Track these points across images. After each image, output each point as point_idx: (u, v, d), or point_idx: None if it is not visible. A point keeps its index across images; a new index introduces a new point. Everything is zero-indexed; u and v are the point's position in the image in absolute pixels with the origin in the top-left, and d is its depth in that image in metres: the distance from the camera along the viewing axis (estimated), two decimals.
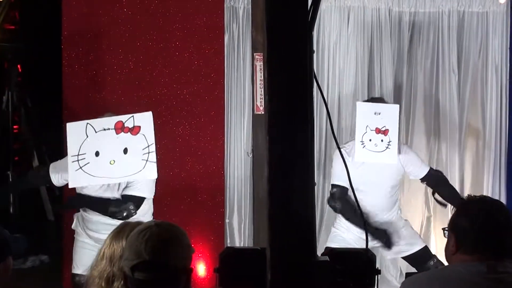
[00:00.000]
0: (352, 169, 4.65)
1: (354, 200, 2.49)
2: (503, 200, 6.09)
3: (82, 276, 4.61)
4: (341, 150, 4.59)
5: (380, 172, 4.91)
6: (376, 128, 4.80)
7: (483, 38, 6.22)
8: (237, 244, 6.05)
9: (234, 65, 6.07)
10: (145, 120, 4.23)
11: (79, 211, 4.86)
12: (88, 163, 4.22)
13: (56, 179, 4.75)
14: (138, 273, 2.24)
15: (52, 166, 4.81)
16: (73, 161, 4.22)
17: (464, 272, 2.40)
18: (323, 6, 6.02)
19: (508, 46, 6.21)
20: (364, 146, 4.81)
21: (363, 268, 2.00)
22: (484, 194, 6.03)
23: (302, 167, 1.82)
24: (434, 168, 5.23)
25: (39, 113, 6.17)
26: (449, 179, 5.57)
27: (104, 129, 4.23)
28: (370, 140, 4.80)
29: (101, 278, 2.62)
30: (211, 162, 5.82)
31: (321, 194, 6.16)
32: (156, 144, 4.26)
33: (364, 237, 4.74)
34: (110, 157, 4.22)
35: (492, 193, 6.16)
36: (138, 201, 4.65)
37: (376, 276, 2.01)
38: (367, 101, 5.27)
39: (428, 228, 6.23)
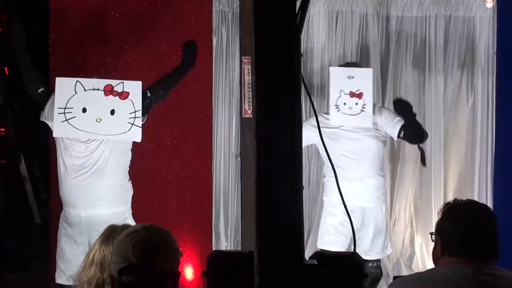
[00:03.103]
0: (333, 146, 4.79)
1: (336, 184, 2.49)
2: (490, 201, 6.12)
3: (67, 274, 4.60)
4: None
5: (360, 139, 4.95)
6: (350, 91, 4.86)
7: (470, 42, 6.25)
8: (223, 247, 6.05)
9: (222, 69, 6.07)
10: (134, 88, 4.37)
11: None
12: (75, 117, 4.33)
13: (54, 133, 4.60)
14: (126, 276, 2.23)
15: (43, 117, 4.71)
16: (59, 113, 4.32)
17: (450, 274, 2.41)
18: (311, 10, 6.04)
19: (495, 50, 6.25)
20: (339, 110, 4.87)
21: (350, 272, 2.00)
22: (471, 196, 6.06)
23: (290, 171, 1.82)
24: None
25: (26, 116, 6.12)
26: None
27: (93, 89, 4.34)
28: (344, 103, 4.86)
29: (90, 284, 2.60)
30: (198, 165, 5.81)
31: (309, 197, 6.17)
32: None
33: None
34: (97, 115, 4.33)
35: (479, 195, 6.19)
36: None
37: (364, 280, 2.01)
38: (342, 65, 5.29)
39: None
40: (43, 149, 5.58)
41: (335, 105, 4.86)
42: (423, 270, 5.66)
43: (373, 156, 5.02)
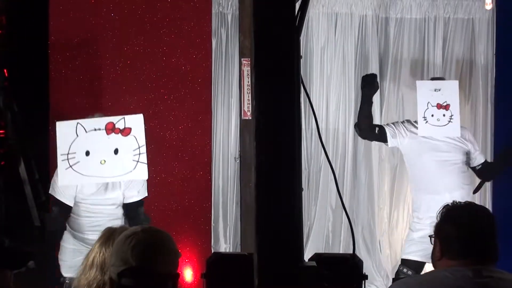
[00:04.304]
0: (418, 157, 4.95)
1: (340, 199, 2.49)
2: (489, 203, 6.13)
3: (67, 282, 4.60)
4: (387, 127, 5.10)
5: (445, 147, 5.02)
6: (437, 103, 4.97)
7: (469, 44, 6.26)
8: (222, 248, 6.05)
9: (221, 70, 6.07)
10: (136, 122, 4.24)
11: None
12: (78, 162, 4.22)
13: (67, 199, 4.67)
14: (125, 279, 2.23)
15: (53, 190, 4.73)
16: (63, 160, 4.21)
17: (449, 277, 2.41)
18: (310, 12, 6.04)
19: (494, 52, 6.25)
20: (427, 122, 4.97)
21: (349, 274, 2.00)
22: (471, 198, 6.06)
23: (289, 173, 1.82)
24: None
25: (26, 118, 6.13)
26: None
27: (95, 129, 4.23)
28: (432, 115, 4.98)
29: (90, 286, 2.59)
30: (198, 167, 5.82)
31: (308, 199, 6.18)
32: (146, 137, 4.26)
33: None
34: (101, 157, 4.22)
35: (479, 197, 6.19)
36: (142, 203, 4.73)
37: (363, 282, 2.01)
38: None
39: None
40: (42, 151, 5.58)
41: (423, 117, 4.97)
42: (422, 272, 5.69)
43: (459, 168, 5.09)
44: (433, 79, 5.44)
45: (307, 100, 2.19)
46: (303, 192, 2.03)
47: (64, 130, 4.24)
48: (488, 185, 6.25)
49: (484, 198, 6.22)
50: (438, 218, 2.56)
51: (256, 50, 1.82)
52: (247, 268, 1.87)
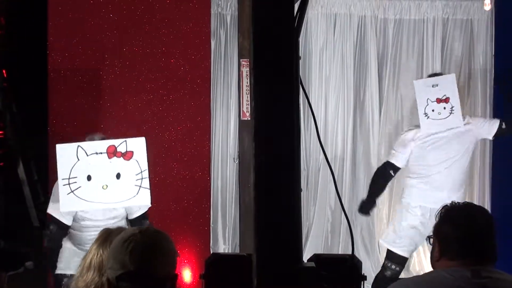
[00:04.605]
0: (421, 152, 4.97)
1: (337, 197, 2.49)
2: (488, 204, 6.13)
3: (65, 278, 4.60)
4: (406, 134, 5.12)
5: (450, 147, 5.03)
6: (437, 98, 5.01)
7: (467, 45, 6.26)
8: (221, 249, 6.05)
9: (220, 71, 6.08)
10: (138, 145, 4.13)
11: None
12: (80, 187, 4.11)
13: (66, 219, 4.61)
14: (123, 283, 2.22)
15: (51, 210, 4.65)
16: (64, 185, 4.09)
17: (448, 277, 2.41)
18: (309, 13, 6.05)
19: (493, 53, 6.26)
20: (428, 117, 5.01)
21: (348, 274, 2.00)
22: (469, 199, 6.07)
23: (288, 173, 1.82)
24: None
25: (25, 118, 6.12)
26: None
27: (96, 153, 4.12)
28: (433, 110, 5.01)
29: None
30: (197, 168, 5.81)
31: (307, 199, 6.18)
32: (149, 159, 4.22)
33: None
34: (103, 182, 4.11)
35: (478, 198, 6.20)
36: (146, 216, 4.76)
37: (362, 282, 2.01)
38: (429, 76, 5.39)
39: None
40: (41, 152, 5.58)
41: (424, 113, 5.00)
42: (421, 272, 5.70)
43: (462, 167, 5.10)
44: (431, 76, 5.44)
45: (306, 101, 2.19)
46: (302, 193, 2.03)
47: (65, 153, 4.12)
48: (487, 185, 6.26)
49: (483, 199, 6.22)
50: (437, 219, 2.56)
51: (255, 51, 1.83)
52: (246, 269, 1.87)
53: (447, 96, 5.01)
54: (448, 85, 5.05)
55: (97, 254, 2.63)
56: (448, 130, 5.03)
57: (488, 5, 6.16)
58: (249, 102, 5.10)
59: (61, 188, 4.10)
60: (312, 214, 6.22)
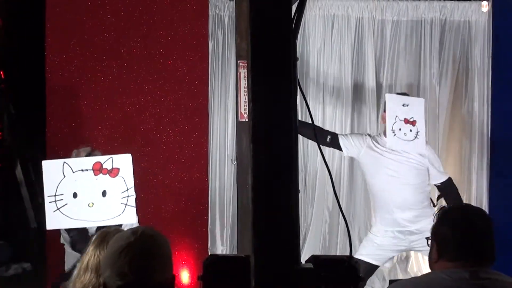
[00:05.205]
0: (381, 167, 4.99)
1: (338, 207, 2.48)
2: (486, 205, 6.13)
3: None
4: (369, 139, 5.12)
5: (403, 168, 5.04)
6: (405, 118, 5.01)
7: (465, 46, 6.27)
8: (219, 251, 6.04)
9: (218, 72, 6.08)
10: (124, 162, 4.10)
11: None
12: (66, 204, 4.09)
13: (65, 238, 4.62)
14: None
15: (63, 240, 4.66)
16: (50, 202, 4.07)
17: (447, 279, 2.42)
18: (307, 14, 6.05)
19: (490, 54, 6.26)
20: (395, 135, 5.00)
21: (346, 275, 2.00)
22: (467, 200, 6.07)
23: (286, 175, 1.82)
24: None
25: (23, 119, 6.12)
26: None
27: (82, 170, 4.09)
28: (400, 129, 5.00)
29: None
30: (195, 169, 5.82)
31: (305, 201, 6.18)
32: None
33: (400, 241, 4.69)
34: (89, 200, 4.09)
35: (476, 199, 6.20)
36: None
37: (360, 284, 2.01)
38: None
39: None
40: (39, 153, 5.57)
41: (392, 130, 5.00)
42: (418, 273, 5.70)
43: (415, 188, 5.09)
44: (398, 94, 5.45)
45: (304, 102, 2.19)
46: (299, 194, 2.03)
47: (51, 169, 4.09)
48: (485, 186, 6.26)
49: (481, 200, 6.22)
50: (435, 220, 2.56)
51: (253, 52, 1.83)
52: (244, 270, 1.87)
53: (414, 119, 5.01)
54: (417, 108, 5.06)
55: (94, 256, 2.62)
56: (401, 156, 5.03)
57: (485, 7, 6.17)
58: (247, 104, 5.09)
59: (47, 205, 4.10)
60: (310, 215, 6.22)
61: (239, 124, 5.24)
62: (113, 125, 5.71)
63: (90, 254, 2.65)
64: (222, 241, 6.13)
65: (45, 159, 5.03)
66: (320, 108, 6.23)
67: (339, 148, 5.19)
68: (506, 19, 6.07)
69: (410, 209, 5.03)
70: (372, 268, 5.12)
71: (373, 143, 5.13)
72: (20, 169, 6.59)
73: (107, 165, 4.09)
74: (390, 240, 5.09)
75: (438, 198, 5.29)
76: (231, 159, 6.01)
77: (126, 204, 4.10)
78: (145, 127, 5.70)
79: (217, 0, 6.04)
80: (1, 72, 6.83)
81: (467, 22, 6.27)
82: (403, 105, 5.04)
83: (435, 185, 5.23)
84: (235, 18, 5.42)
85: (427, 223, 5.05)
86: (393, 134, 4.99)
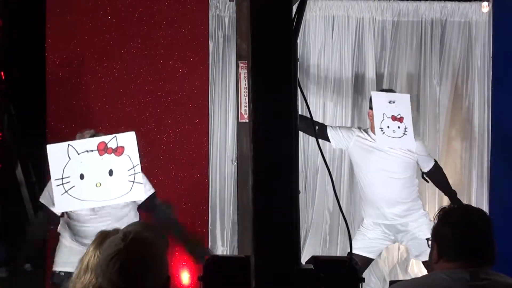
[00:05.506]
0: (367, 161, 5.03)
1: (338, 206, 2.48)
2: (486, 206, 6.12)
3: (61, 274, 4.58)
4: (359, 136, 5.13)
5: (391, 161, 5.07)
6: (392, 115, 5.02)
7: (465, 47, 6.26)
8: (220, 251, 6.04)
9: (218, 73, 6.07)
10: (128, 140, 4.12)
11: (63, 215, 4.78)
12: (74, 186, 4.09)
13: (56, 209, 4.52)
14: None
15: (43, 199, 4.60)
16: (57, 185, 4.07)
17: (447, 279, 2.42)
18: (307, 15, 6.05)
19: (491, 55, 6.26)
20: (384, 133, 5.01)
21: (346, 276, 2.01)
22: (467, 201, 6.07)
23: (287, 175, 1.82)
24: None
25: (23, 120, 6.12)
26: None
27: (87, 151, 4.11)
28: (388, 126, 5.02)
29: None
30: (195, 170, 5.82)
31: (305, 201, 6.18)
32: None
33: (387, 233, 4.72)
34: (96, 180, 4.11)
35: (476, 200, 6.20)
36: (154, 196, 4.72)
37: (360, 284, 2.01)
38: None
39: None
40: (39, 154, 5.57)
41: (380, 128, 5.01)
42: (419, 274, 5.70)
43: (402, 183, 5.13)
44: (383, 90, 5.46)
45: (304, 103, 2.19)
46: (300, 195, 2.03)
47: (56, 153, 4.10)
48: (485, 187, 6.26)
49: (481, 200, 6.22)
50: (435, 221, 2.56)
51: (253, 53, 1.83)
52: (244, 271, 1.87)
53: (401, 115, 5.03)
54: (403, 104, 5.07)
55: (94, 256, 2.62)
56: (392, 151, 5.05)
57: (485, 7, 6.17)
58: (247, 104, 5.09)
59: (55, 188, 4.10)
60: (310, 216, 6.22)
61: (240, 125, 5.24)
62: (114, 126, 5.70)
63: (90, 255, 2.65)
64: (223, 241, 6.12)
65: (45, 159, 5.03)
66: (320, 109, 6.22)
67: (328, 139, 5.21)
68: (506, 19, 6.07)
69: (399, 203, 5.08)
70: (367, 261, 5.15)
71: (362, 136, 5.16)
72: (20, 169, 6.59)
73: (112, 144, 4.11)
74: (380, 233, 5.14)
75: (422, 176, 5.30)
76: (232, 160, 6.01)
77: (133, 181, 4.13)
78: (146, 128, 5.69)
79: (217, 1, 6.04)
80: (1, 73, 6.83)
81: (467, 23, 6.26)
82: (389, 102, 5.04)
83: (423, 172, 5.26)
84: (236, 19, 5.42)
85: (414, 218, 5.11)
86: (381, 132, 5.00)
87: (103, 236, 2.68)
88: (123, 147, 4.13)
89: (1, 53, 6.77)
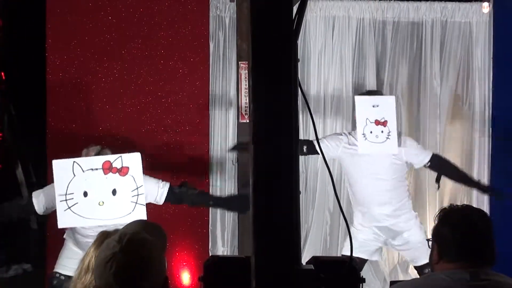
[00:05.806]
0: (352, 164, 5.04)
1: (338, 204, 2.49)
2: (486, 206, 6.12)
3: (62, 277, 4.58)
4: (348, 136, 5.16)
5: (379, 164, 5.07)
6: (376, 120, 5.00)
7: (466, 47, 6.26)
8: (220, 252, 6.04)
9: (219, 73, 6.07)
10: (133, 160, 4.15)
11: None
12: (77, 203, 4.14)
13: (39, 208, 4.59)
14: None
15: (34, 195, 4.64)
16: (61, 201, 4.12)
17: (447, 280, 2.42)
18: (308, 15, 6.05)
19: (491, 55, 6.26)
20: (366, 139, 5.00)
21: (347, 277, 2.00)
22: (468, 201, 6.06)
23: (287, 175, 1.82)
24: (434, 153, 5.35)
25: (23, 120, 6.13)
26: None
27: (92, 169, 4.13)
28: (371, 132, 5.00)
29: None
30: (195, 170, 5.81)
31: (305, 202, 6.18)
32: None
33: (379, 234, 4.75)
34: (99, 198, 4.14)
35: (476, 200, 6.19)
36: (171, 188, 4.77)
37: (361, 285, 2.01)
38: (364, 94, 5.39)
39: None
40: (39, 154, 5.57)
41: (363, 134, 5.01)
42: (419, 275, 5.69)
43: (391, 184, 5.14)
44: (369, 92, 5.45)
45: (305, 103, 2.19)
46: (300, 195, 2.03)
47: (61, 169, 4.14)
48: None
49: (482, 200, 6.21)
50: (436, 221, 2.56)
51: (254, 54, 1.83)
52: (245, 271, 1.87)
53: (385, 119, 5.00)
54: (388, 107, 5.04)
55: (95, 257, 2.61)
56: (384, 154, 5.05)
57: (486, 8, 6.17)
58: (247, 105, 5.10)
59: (58, 204, 4.14)
60: (310, 216, 6.22)
61: (240, 125, 5.25)
62: (114, 126, 5.71)
63: (91, 255, 2.64)
64: (223, 242, 6.12)
65: (45, 159, 5.05)
66: (321, 109, 6.22)
67: (317, 153, 5.22)
68: (507, 20, 6.07)
69: (388, 204, 5.09)
70: (361, 262, 5.15)
71: (349, 141, 5.16)
72: (21, 170, 6.59)
73: (117, 164, 4.13)
74: (370, 235, 5.17)
75: (437, 180, 5.29)
76: (232, 160, 6.00)
77: (136, 203, 4.14)
78: (146, 128, 5.69)
79: (218, 1, 6.04)
80: (2, 73, 6.83)
81: (468, 23, 6.26)
82: (373, 106, 5.02)
83: (425, 166, 5.24)
84: (236, 19, 5.44)
85: (404, 220, 5.12)
86: (364, 138, 4.99)
87: (104, 237, 2.68)
88: (128, 167, 4.15)
89: (1, 53, 6.77)
